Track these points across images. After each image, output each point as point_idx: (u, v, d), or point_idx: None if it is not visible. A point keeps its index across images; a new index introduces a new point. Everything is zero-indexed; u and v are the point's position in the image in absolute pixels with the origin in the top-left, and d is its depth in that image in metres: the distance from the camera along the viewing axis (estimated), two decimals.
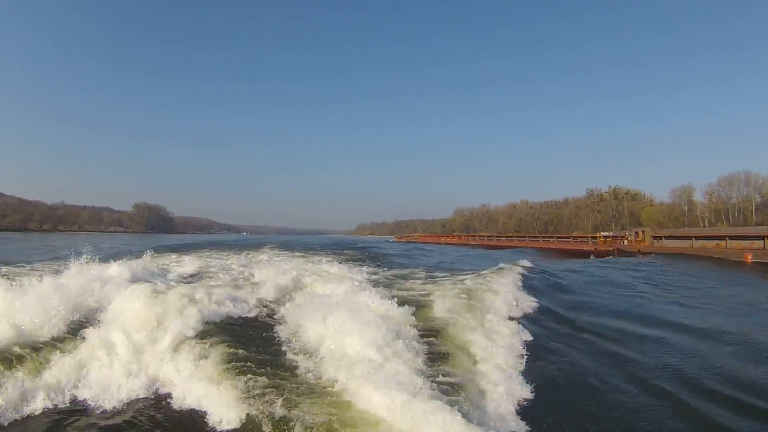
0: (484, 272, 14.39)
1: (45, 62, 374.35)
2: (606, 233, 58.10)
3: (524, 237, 71.15)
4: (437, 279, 14.32)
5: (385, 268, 18.30)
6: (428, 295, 9.91)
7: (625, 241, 47.62)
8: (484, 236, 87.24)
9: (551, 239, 62.28)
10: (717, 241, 38.93)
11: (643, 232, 50.00)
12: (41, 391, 5.06)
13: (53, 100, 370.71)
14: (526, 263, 18.42)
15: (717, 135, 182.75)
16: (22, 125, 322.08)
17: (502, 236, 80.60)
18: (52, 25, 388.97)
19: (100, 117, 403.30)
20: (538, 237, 69.55)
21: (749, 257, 29.98)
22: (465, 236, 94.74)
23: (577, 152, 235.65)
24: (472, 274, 14.82)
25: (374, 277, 14.52)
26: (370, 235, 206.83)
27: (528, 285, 12.64)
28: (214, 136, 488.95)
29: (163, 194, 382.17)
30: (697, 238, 41.80)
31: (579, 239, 57.68)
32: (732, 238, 37.66)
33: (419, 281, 13.66)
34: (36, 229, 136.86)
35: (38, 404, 4.94)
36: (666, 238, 45.96)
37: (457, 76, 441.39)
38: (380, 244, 61.15)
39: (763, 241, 32.85)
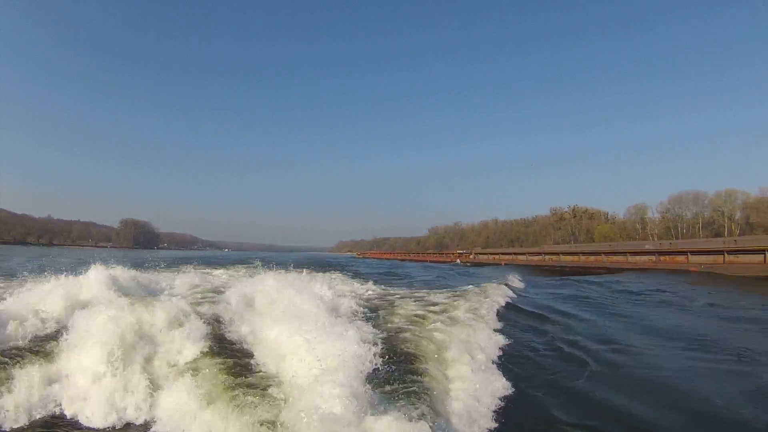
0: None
1: (28, 82, 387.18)
2: (461, 251, 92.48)
3: (429, 253, 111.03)
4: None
5: None
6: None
7: (471, 255, 79.28)
8: (402, 252, 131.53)
9: (436, 254, 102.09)
10: (493, 255, 70.75)
11: (473, 250, 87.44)
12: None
13: (42, 113, 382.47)
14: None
15: (672, 156, 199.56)
16: (6, 139, 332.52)
17: (414, 253, 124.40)
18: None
19: (83, 131, 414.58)
20: (430, 253, 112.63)
21: (503, 263, 55.94)
22: (394, 252, 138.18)
23: (551, 172, 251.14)
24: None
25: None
26: (348, 252, 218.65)
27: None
28: (196, 151, 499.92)
29: (146, 208, 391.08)
30: (490, 254, 75.27)
31: (448, 254, 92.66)
32: (502, 254, 70.23)
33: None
34: (34, 243, 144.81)
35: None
36: (480, 254, 79.22)
37: (446, 88, 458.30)
38: (348, 260, 77.02)
39: (511, 256, 64.70)
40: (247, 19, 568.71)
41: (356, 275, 22.59)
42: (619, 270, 34.52)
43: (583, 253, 47.19)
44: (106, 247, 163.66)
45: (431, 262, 79.32)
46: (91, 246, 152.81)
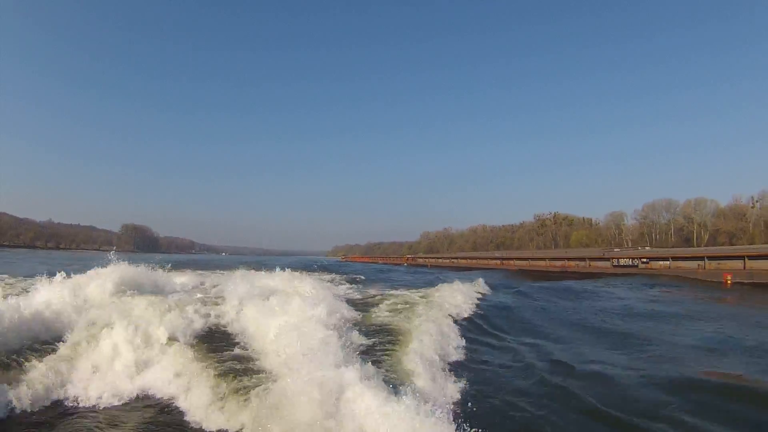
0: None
1: (29, 87, 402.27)
2: (410, 255, 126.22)
3: (398, 257, 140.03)
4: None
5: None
6: None
7: (415, 260, 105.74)
8: (378, 256, 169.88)
9: (394, 257, 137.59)
10: (426, 259, 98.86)
11: (415, 256, 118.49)
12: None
13: (41, 117, 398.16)
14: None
15: (662, 165, 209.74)
16: (6, 143, 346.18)
17: (381, 257, 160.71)
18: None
19: (82, 135, 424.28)
20: (391, 256, 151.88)
21: (429, 265, 77.21)
22: (370, 257, 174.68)
23: (542, 179, 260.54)
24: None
25: None
26: (342, 256, 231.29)
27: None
28: (194, 156, 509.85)
29: (145, 212, 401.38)
30: (425, 258, 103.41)
31: (402, 258, 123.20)
32: (432, 258, 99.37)
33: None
34: (42, 247, 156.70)
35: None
36: (419, 258, 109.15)
37: (440, 96, 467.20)
38: (332, 263, 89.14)
39: (434, 259, 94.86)
40: (245, 22, 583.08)
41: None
42: (484, 268, 55.14)
43: (468, 258, 73.63)
44: (110, 250, 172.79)
45: (393, 264, 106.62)
46: (96, 250, 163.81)
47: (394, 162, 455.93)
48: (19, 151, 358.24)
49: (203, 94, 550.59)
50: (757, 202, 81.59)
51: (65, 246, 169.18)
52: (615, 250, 45.15)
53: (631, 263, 37.84)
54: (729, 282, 28.08)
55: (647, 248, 48.15)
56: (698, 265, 33.45)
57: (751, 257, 30.76)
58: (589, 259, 41.37)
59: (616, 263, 39.14)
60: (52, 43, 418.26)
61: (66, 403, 6.17)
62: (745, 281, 28.02)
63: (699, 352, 9.94)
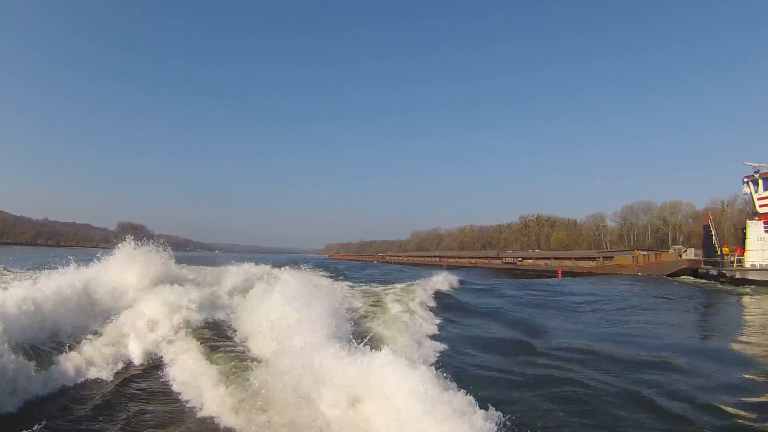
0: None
1: (33, 79, 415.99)
2: (380, 254, 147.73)
3: (384, 255, 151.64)
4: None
5: None
6: None
7: (385, 258, 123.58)
8: (366, 255, 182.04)
9: (372, 256, 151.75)
10: (392, 257, 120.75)
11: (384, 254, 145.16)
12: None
13: (36, 115, 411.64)
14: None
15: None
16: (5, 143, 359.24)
17: (358, 254, 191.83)
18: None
19: (77, 133, 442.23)
20: (376, 254, 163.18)
21: (393, 261, 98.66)
22: (350, 255, 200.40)
23: (534, 183, 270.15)
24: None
25: None
26: (329, 255, 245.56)
27: None
28: (188, 154, 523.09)
29: (139, 210, 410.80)
30: (391, 257, 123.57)
31: (373, 256, 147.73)
32: (397, 256, 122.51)
33: None
34: (44, 245, 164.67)
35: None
36: (387, 256, 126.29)
37: (429, 99, 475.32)
38: (320, 260, 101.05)
39: (397, 257, 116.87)
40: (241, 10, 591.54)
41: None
42: (428, 264, 67.16)
43: (418, 256, 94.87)
44: (108, 248, 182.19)
45: (366, 261, 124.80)
46: (94, 247, 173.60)
47: (389, 163, 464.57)
48: (16, 149, 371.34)
49: (201, 93, 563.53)
50: (727, 206, 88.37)
51: (65, 244, 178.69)
52: (508, 251, 59.56)
53: (512, 261, 50.46)
54: (560, 274, 39.99)
55: (537, 251, 61.80)
56: (545, 263, 45.89)
57: (576, 258, 43.35)
58: (490, 258, 55.10)
59: (505, 261, 51.80)
60: (50, 44, 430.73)
61: (95, 382, 6.94)
62: (569, 272, 40.04)
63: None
